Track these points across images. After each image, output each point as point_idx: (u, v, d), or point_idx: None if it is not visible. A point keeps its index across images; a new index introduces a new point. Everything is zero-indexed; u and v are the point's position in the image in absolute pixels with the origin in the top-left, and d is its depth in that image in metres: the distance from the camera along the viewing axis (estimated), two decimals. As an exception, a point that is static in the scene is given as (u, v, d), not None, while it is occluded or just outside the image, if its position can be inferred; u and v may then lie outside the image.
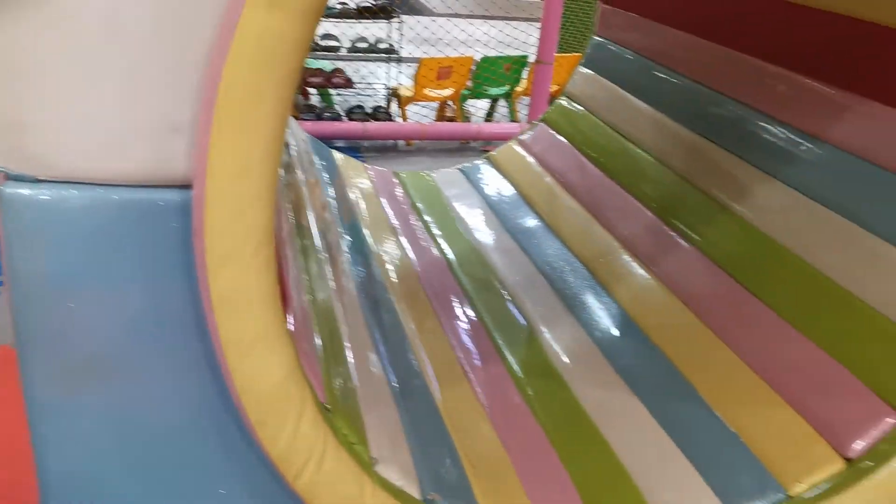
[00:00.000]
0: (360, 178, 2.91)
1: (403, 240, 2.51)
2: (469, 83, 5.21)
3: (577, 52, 5.89)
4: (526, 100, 5.24)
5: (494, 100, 5.48)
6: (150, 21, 1.00)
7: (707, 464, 1.41)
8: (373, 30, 5.24)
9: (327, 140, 4.58)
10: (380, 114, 5.04)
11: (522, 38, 6.40)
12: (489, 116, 5.59)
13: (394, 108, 5.30)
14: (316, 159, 2.77)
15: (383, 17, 5.06)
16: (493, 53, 5.56)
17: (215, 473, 1.35)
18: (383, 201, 2.78)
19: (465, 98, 5.30)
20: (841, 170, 1.87)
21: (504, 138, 4.90)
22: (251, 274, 1.10)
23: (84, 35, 1.00)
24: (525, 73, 5.31)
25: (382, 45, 5.16)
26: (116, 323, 1.18)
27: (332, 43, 5.12)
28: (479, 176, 3.09)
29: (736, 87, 2.24)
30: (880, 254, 1.67)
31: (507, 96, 5.42)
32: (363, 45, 5.22)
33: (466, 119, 5.40)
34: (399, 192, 2.91)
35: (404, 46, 5.38)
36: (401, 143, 5.08)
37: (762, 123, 2.11)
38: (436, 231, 2.60)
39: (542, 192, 2.81)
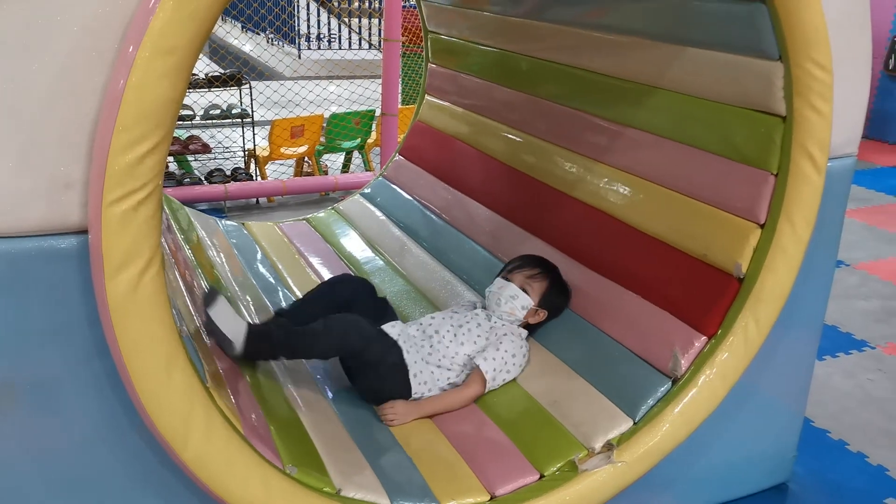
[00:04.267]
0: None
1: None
2: (322, 139, 5.54)
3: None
4: (378, 150, 5.62)
5: (348, 152, 5.83)
6: (42, 99, 1.26)
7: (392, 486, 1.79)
8: (224, 96, 5.48)
9: (190, 203, 4.75)
10: (239, 174, 5.27)
11: (367, 95, 6.83)
12: (345, 168, 5.93)
13: (253, 168, 5.54)
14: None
15: (233, 84, 5.31)
16: (341, 110, 5.94)
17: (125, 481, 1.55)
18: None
19: (320, 153, 5.62)
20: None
21: (360, 187, 5.25)
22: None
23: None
24: (375, 126, 5.70)
25: (235, 111, 5.41)
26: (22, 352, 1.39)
27: (186, 112, 5.32)
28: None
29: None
30: (556, 369, 2.19)
31: (361, 148, 5.79)
32: (216, 111, 5.45)
33: (324, 172, 5.71)
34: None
35: (257, 110, 5.65)
36: (263, 200, 5.32)
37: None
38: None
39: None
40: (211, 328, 1.87)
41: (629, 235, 2.28)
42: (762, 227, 1.92)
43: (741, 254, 1.93)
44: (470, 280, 2.74)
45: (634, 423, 1.91)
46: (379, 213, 3.42)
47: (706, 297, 2.00)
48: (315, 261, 3.06)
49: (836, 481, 2.49)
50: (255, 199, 5.31)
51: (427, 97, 3.63)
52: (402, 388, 2.11)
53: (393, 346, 2.13)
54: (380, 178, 3.67)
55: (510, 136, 2.94)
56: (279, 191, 5.19)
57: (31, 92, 1.25)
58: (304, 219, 3.53)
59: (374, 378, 2.10)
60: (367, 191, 3.66)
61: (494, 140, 3.03)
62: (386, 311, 2.37)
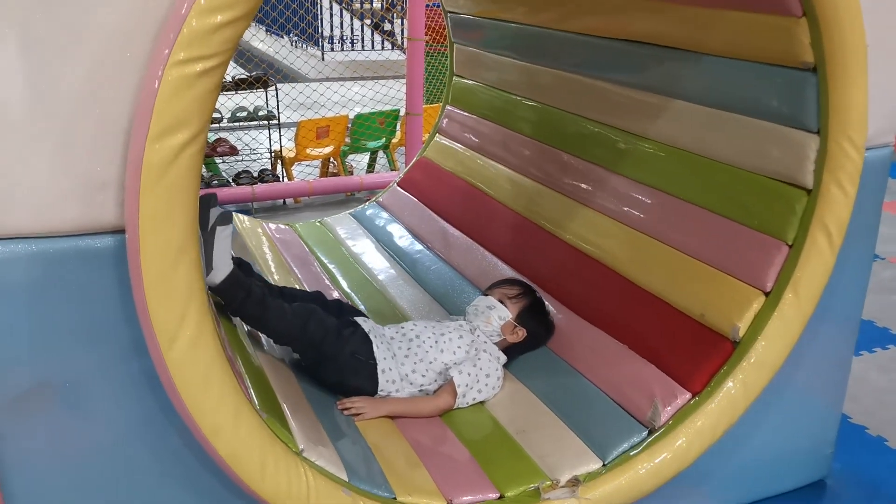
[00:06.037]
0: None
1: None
2: (347, 139, 5.56)
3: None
4: (403, 149, 5.63)
5: (373, 152, 5.84)
6: (77, 100, 1.27)
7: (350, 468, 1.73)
8: (251, 98, 5.52)
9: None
10: (266, 176, 5.30)
11: (392, 95, 6.85)
12: (370, 168, 5.94)
13: (279, 169, 5.58)
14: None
15: (259, 86, 5.35)
16: (366, 110, 5.95)
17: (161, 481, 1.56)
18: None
19: (345, 154, 5.64)
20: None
21: (385, 187, 5.26)
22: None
23: (14, 113, 1.25)
24: (399, 126, 5.71)
25: (262, 113, 5.45)
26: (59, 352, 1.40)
27: (214, 115, 5.37)
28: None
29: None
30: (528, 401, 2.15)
31: (385, 148, 5.80)
32: (243, 113, 5.49)
33: (349, 173, 5.73)
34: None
35: (283, 112, 5.68)
36: (289, 201, 5.35)
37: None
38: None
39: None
40: (203, 245, 1.75)
41: (625, 288, 2.26)
42: (767, 294, 1.91)
43: (741, 318, 1.91)
44: (452, 309, 2.67)
45: (604, 465, 1.87)
46: (365, 233, 3.39)
47: (697, 354, 1.97)
48: (293, 262, 3.02)
49: (874, 478, 2.43)
50: (281, 200, 5.34)
51: (437, 137, 3.64)
52: (368, 383, 2.07)
53: (363, 339, 2.09)
54: (373, 203, 3.68)
55: (514, 179, 2.94)
56: (305, 191, 5.21)
57: (65, 93, 1.26)
58: (289, 225, 3.53)
59: (334, 371, 2.05)
60: (354, 212, 3.65)
61: (498, 183, 3.03)
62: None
